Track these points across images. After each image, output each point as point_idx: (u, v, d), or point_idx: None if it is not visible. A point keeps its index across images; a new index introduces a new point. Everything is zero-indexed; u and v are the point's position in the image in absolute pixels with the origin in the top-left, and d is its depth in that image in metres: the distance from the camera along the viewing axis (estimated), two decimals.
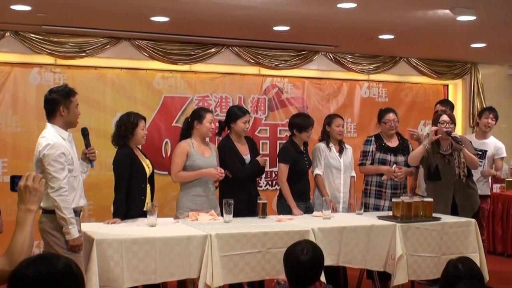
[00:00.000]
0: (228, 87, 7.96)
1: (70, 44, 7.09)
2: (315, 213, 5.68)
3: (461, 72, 9.26)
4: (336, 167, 6.05)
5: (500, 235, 8.17)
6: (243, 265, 4.64)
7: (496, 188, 8.10)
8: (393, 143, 6.20)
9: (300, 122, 5.93)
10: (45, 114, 4.39)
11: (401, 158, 6.13)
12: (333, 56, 8.44)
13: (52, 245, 4.22)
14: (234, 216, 5.11)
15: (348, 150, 6.21)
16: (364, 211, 5.86)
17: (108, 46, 7.27)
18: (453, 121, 5.91)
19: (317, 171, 5.99)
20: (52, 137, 4.22)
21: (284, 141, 6.67)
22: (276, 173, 7.67)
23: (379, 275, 5.60)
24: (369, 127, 6.42)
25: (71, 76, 7.16)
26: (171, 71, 7.69)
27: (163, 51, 7.51)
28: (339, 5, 5.70)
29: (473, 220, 5.60)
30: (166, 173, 6.57)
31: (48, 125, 4.33)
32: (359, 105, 8.72)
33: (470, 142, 6.17)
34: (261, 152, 7.23)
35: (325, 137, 6.13)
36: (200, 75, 7.86)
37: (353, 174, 6.26)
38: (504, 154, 6.61)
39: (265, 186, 8.04)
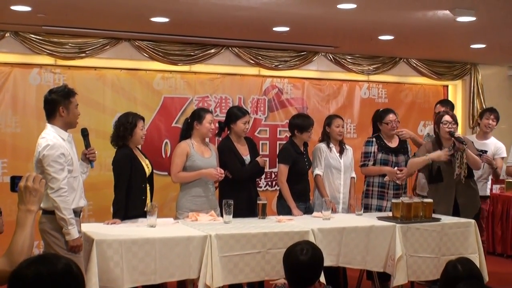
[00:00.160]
0: (228, 88, 7.97)
1: (70, 44, 7.10)
2: (314, 213, 5.68)
3: (461, 73, 9.27)
4: (336, 168, 6.05)
5: (500, 236, 8.17)
6: (243, 266, 4.64)
7: (496, 189, 8.10)
8: (394, 143, 6.21)
9: (301, 123, 5.93)
10: (45, 114, 4.39)
11: (402, 158, 6.14)
12: (333, 57, 8.45)
13: (52, 245, 4.22)
14: (234, 216, 5.11)
15: (349, 151, 6.22)
16: (366, 212, 5.86)
17: (108, 46, 7.27)
18: (455, 121, 5.90)
19: (317, 171, 5.99)
20: (52, 138, 4.22)
21: (284, 142, 6.67)
22: (276, 173, 7.67)
23: (378, 275, 5.60)
24: (369, 128, 6.42)
25: (71, 77, 7.16)
26: (171, 71, 7.69)
27: (163, 51, 7.52)
28: (339, 6, 5.70)
29: (473, 221, 5.60)
30: (166, 173, 6.57)
31: (48, 125, 4.33)
32: (359, 105, 8.73)
33: (472, 142, 6.16)
34: (260, 152, 7.24)
35: (325, 137, 6.13)
36: (200, 76, 7.86)
37: (353, 175, 6.26)
38: (504, 154, 6.61)
39: (264, 187, 8.04)
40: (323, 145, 6.08)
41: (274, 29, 6.87)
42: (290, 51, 8.17)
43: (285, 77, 8.30)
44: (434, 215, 5.59)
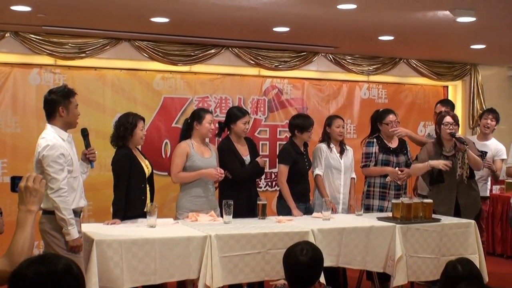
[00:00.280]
0: (228, 88, 7.97)
1: (70, 44, 7.10)
2: (314, 214, 5.68)
3: (461, 73, 9.27)
4: (336, 168, 6.05)
5: (500, 237, 8.17)
6: (242, 266, 4.64)
7: (496, 189, 8.10)
8: (394, 143, 6.21)
9: (301, 123, 5.93)
10: (45, 115, 4.39)
11: (402, 159, 6.14)
12: (333, 57, 8.45)
13: (52, 245, 4.22)
14: (234, 217, 5.11)
15: (349, 151, 6.22)
16: (367, 212, 5.87)
17: (108, 47, 7.27)
18: (456, 122, 5.89)
19: (318, 171, 5.99)
20: (52, 138, 4.22)
21: (284, 142, 6.67)
22: (275, 174, 7.67)
23: (378, 276, 5.59)
24: (369, 128, 6.41)
25: (71, 77, 7.16)
26: (171, 72, 7.70)
27: (163, 52, 7.52)
28: (339, 6, 5.70)
29: (473, 221, 5.59)
30: (166, 173, 6.57)
31: (48, 126, 4.33)
32: (359, 106, 8.73)
33: (474, 143, 6.16)
34: (260, 153, 7.24)
35: (326, 138, 6.13)
36: (200, 76, 7.87)
37: (353, 175, 6.26)
38: (504, 156, 6.59)
39: (264, 187, 8.04)
40: (323, 145, 6.09)
41: (274, 29, 6.87)
42: (290, 52, 8.17)
43: (285, 78, 8.31)
44: (434, 216, 5.59)
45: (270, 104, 8.19)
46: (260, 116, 8.12)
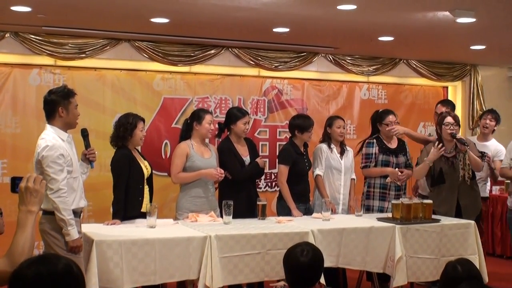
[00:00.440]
0: (228, 89, 7.97)
1: (70, 45, 7.10)
2: (314, 214, 5.68)
3: (461, 74, 9.28)
4: (336, 168, 6.06)
5: (499, 237, 8.17)
6: (242, 267, 4.64)
7: (495, 190, 8.10)
8: (393, 144, 6.21)
9: (301, 123, 5.93)
10: (45, 115, 4.39)
11: (402, 159, 6.14)
12: (332, 58, 8.45)
13: (52, 246, 4.22)
14: (234, 217, 5.11)
15: (349, 152, 6.22)
16: (367, 213, 5.87)
17: (108, 47, 7.28)
18: (457, 122, 5.89)
19: (318, 171, 5.99)
20: (51, 139, 4.22)
21: (284, 143, 6.68)
22: (275, 174, 7.68)
23: (378, 276, 5.59)
24: (369, 129, 6.41)
25: (71, 77, 7.17)
26: (171, 72, 7.70)
27: (163, 52, 7.52)
28: (339, 7, 5.71)
29: (473, 222, 5.59)
30: (166, 174, 6.58)
31: (48, 126, 4.33)
32: (359, 106, 8.74)
33: (475, 144, 6.15)
34: (260, 153, 7.23)
35: (327, 138, 6.13)
36: (200, 77, 7.87)
37: (353, 176, 6.27)
38: (503, 157, 6.58)
39: (264, 188, 8.05)
40: (324, 146, 6.09)
41: (274, 30, 6.88)
42: (290, 52, 8.18)
43: (285, 78, 8.31)
44: (434, 216, 5.59)
45: (270, 104, 8.20)
46: (260, 117, 8.12)
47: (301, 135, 5.90)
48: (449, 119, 5.85)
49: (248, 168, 5.73)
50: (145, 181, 5.17)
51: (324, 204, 5.54)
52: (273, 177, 8.03)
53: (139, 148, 5.54)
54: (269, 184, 8.11)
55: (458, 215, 5.80)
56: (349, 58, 8.56)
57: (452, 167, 5.81)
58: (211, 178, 5.46)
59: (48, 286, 1.81)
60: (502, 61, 9.21)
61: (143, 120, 5.27)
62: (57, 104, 4.29)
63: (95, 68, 7.36)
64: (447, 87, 9.49)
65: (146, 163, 5.25)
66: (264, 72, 8.17)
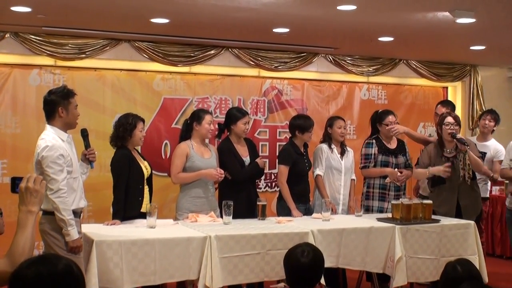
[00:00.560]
0: (228, 89, 7.97)
1: (70, 45, 7.10)
2: (314, 215, 5.68)
3: (461, 74, 9.28)
4: (337, 169, 6.06)
5: (499, 238, 8.18)
6: (242, 267, 4.64)
7: (495, 190, 8.10)
8: (393, 144, 6.21)
9: (302, 123, 5.94)
10: (45, 115, 4.39)
11: (401, 160, 6.15)
12: (332, 58, 8.46)
13: (52, 246, 4.22)
14: (234, 217, 5.11)
15: (350, 152, 6.22)
16: (367, 213, 5.87)
17: (108, 47, 7.28)
18: (457, 123, 5.88)
19: (318, 171, 6.00)
20: (51, 139, 4.22)
21: (284, 143, 6.67)
22: (275, 175, 7.68)
23: (378, 277, 5.59)
24: (369, 129, 6.41)
25: (70, 78, 7.17)
26: (170, 72, 7.70)
27: (163, 52, 7.52)
28: (339, 7, 5.71)
29: (472, 222, 5.59)
30: (166, 174, 6.58)
31: (47, 126, 4.33)
32: (359, 107, 8.74)
33: (475, 144, 6.15)
34: (260, 154, 7.23)
35: (327, 138, 6.13)
36: (200, 77, 7.87)
37: (353, 177, 6.27)
38: (503, 158, 6.58)
39: (264, 188, 8.05)
40: (324, 146, 6.09)
41: (274, 30, 6.88)
42: (290, 52, 8.18)
43: (284, 78, 8.31)
44: (434, 217, 5.59)
45: (270, 105, 8.20)
46: (259, 117, 8.12)
47: (302, 135, 5.90)
48: (449, 119, 5.86)
49: (248, 168, 5.73)
50: (145, 181, 5.18)
51: (324, 204, 5.54)
52: (273, 177, 8.03)
53: (138, 148, 5.54)
54: (269, 184, 8.11)
55: (458, 215, 5.80)
56: (349, 58, 8.56)
57: (453, 168, 5.81)
58: (211, 178, 5.46)
59: (48, 286, 1.82)
60: (502, 61, 9.22)
61: (143, 120, 5.27)
62: (57, 104, 4.30)
63: (95, 69, 7.36)
64: (447, 88, 9.49)
65: (146, 163, 5.25)
66: (264, 73, 8.17)
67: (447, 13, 5.91)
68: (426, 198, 5.84)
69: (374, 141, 6.17)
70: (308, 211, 5.86)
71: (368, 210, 6.01)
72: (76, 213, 4.32)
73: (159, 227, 4.82)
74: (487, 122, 6.76)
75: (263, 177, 7.70)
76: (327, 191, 5.98)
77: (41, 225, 4.25)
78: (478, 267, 4.17)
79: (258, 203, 5.45)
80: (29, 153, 5.30)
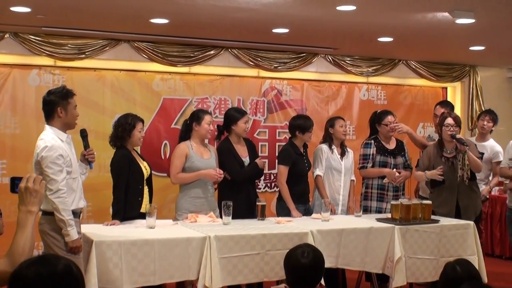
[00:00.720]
0: (227, 89, 7.97)
1: (69, 45, 7.10)
2: (314, 215, 5.68)
3: (460, 74, 9.29)
4: (337, 169, 6.06)
5: (499, 238, 8.18)
6: (242, 267, 4.64)
7: (495, 190, 8.10)
8: (391, 145, 6.21)
9: (302, 123, 5.93)
10: (44, 116, 4.39)
11: (400, 160, 6.15)
12: (332, 59, 8.46)
13: (52, 246, 4.22)
14: (233, 218, 5.11)
15: (350, 153, 6.22)
16: (365, 214, 5.87)
17: (107, 48, 7.28)
18: (458, 123, 5.88)
19: (318, 172, 6.00)
20: (50, 139, 4.22)
21: (283, 143, 6.67)
22: (275, 175, 7.69)
23: (377, 277, 5.59)
24: (368, 129, 6.41)
25: (70, 78, 7.17)
26: (170, 73, 7.70)
27: (163, 53, 7.52)
28: (339, 8, 5.71)
29: (472, 222, 5.59)
30: (165, 175, 6.58)
31: (47, 127, 4.33)
32: (358, 107, 8.74)
33: (475, 145, 6.15)
34: (260, 154, 7.23)
35: (328, 139, 6.13)
36: (199, 77, 7.87)
37: (353, 178, 6.27)
38: (501, 159, 6.58)
39: (263, 188, 8.05)
40: (324, 146, 6.09)
41: (274, 30, 6.88)
42: (290, 53, 8.18)
43: (284, 79, 8.31)
44: (433, 217, 5.59)
45: (269, 105, 8.20)
46: (259, 117, 8.12)
47: (302, 135, 5.90)
48: (449, 120, 5.86)
49: (248, 168, 5.73)
50: (145, 181, 5.18)
51: (323, 205, 5.54)
52: (272, 177, 8.03)
53: (138, 148, 5.54)
54: (269, 184, 8.11)
55: (458, 216, 5.81)
56: (349, 58, 8.56)
57: (452, 168, 5.82)
58: (210, 178, 5.46)
59: (48, 287, 1.81)
60: (501, 62, 9.22)
61: (142, 121, 5.27)
62: (56, 105, 4.30)
63: (94, 69, 7.36)
64: (446, 88, 9.50)
65: (145, 163, 5.25)
66: (264, 73, 8.17)
67: (446, 14, 5.91)
68: (425, 199, 5.84)
69: (372, 141, 6.17)
70: (307, 212, 5.85)
71: (366, 210, 6.01)
72: (76, 214, 4.32)
73: (158, 227, 4.82)
74: (485, 122, 6.76)
75: (262, 178, 7.70)
76: (327, 191, 5.98)
77: (41, 226, 4.25)
78: (477, 268, 4.17)
79: (257, 203, 5.45)
80: (29, 153, 5.29)
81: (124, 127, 5.12)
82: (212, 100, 7.86)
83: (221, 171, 5.45)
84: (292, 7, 5.77)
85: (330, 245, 4.99)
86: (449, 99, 9.23)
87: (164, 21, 6.38)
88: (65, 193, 4.17)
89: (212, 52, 7.77)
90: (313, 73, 8.48)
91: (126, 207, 5.03)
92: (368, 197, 6.12)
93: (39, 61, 7.11)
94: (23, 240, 2.32)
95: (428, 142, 6.54)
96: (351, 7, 5.69)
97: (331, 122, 6.20)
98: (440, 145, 5.93)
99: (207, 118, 5.53)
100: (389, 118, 6.17)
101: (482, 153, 6.17)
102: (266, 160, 7.77)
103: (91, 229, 4.70)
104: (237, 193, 5.55)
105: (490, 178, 6.74)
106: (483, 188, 6.55)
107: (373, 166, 6.10)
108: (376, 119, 6.25)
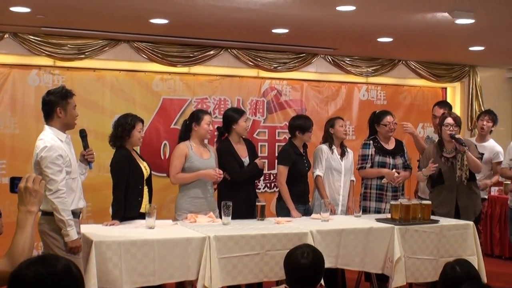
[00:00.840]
0: (227, 90, 7.97)
1: (69, 46, 7.10)
2: (313, 215, 5.68)
3: (460, 75, 9.29)
4: (337, 170, 6.06)
5: (498, 238, 8.18)
6: (241, 267, 4.64)
7: (494, 191, 8.11)
8: (390, 145, 6.21)
9: (302, 123, 5.94)
10: (43, 116, 4.39)
11: (399, 160, 6.15)
12: (331, 59, 8.46)
13: (51, 246, 4.22)
14: (233, 218, 5.11)
15: (349, 154, 6.22)
16: (364, 214, 5.87)
17: (107, 48, 7.28)
18: (457, 123, 5.89)
19: (318, 172, 5.99)
20: (50, 140, 4.22)
21: (283, 144, 6.67)
22: (274, 175, 7.69)
23: (377, 277, 5.59)
24: (368, 130, 6.41)
25: (70, 78, 7.16)
26: (170, 73, 7.70)
27: (162, 53, 7.52)
28: (338, 8, 5.71)
29: (471, 223, 5.59)
30: (165, 175, 6.57)
31: (46, 127, 4.33)
32: (358, 107, 8.74)
33: (476, 146, 6.14)
34: (259, 154, 7.23)
35: (329, 139, 6.13)
36: (199, 77, 7.87)
37: (353, 178, 6.26)
38: (501, 159, 6.58)
39: (263, 188, 8.05)
40: (324, 147, 6.08)
41: (273, 31, 6.88)
42: (289, 53, 8.18)
43: (284, 79, 8.31)
44: (433, 217, 5.59)
45: (269, 105, 8.20)
46: (259, 118, 8.12)
47: (302, 135, 5.90)
48: (449, 120, 5.86)
49: (247, 169, 5.73)
50: (144, 181, 5.18)
51: (323, 205, 5.54)
52: (272, 178, 8.03)
53: (137, 148, 5.53)
54: (268, 185, 8.11)
55: (457, 216, 5.81)
56: (348, 59, 8.56)
57: (452, 168, 5.82)
58: (210, 178, 5.46)
59: (48, 287, 1.81)
60: (501, 62, 9.22)
61: (142, 121, 5.27)
62: (55, 105, 4.30)
63: (94, 69, 7.36)
64: (446, 88, 9.50)
65: (145, 163, 5.25)
66: (263, 73, 8.17)
67: (446, 14, 5.91)
68: (424, 200, 5.84)
69: (371, 142, 6.18)
70: (307, 212, 5.85)
71: (365, 211, 6.01)
72: (75, 214, 4.32)
73: (158, 227, 4.82)
74: (485, 123, 6.76)
75: (262, 178, 7.70)
76: (326, 192, 5.98)
77: (40, 226, 4.25)
78: (477, 268, 4.17)
79: (257, 203, 5.45)
80: (28, 153, 5.29)
81: (124, 127, 5.12)
82: (211, 100, 7.86)
83: (221, 171, 5.45)
84: (292, 7, 5.77)
85: (329, 245, 4.99)
86: (448, 99, 9.24)
87: (163, 21, 6.38)
88: (65, 193, 4.17)
89: (211, 52, 7.77)
90: (313, 73, 8.48)
91: (126, 207, 5.03)
92: (367, 197, 6.12)
93: (39, 61, 7.11)
94: (22, 240, 2.32)
95: (427, 144, 6.55)
96: (351, 7, 5.69)
97: (331, 123, 6.20)
98: (440, 145, 5.93)
99: (206, 118, 5.53)
100: (388, 118, 6.17)
101: (482, 154, 6.17)
102: (266, 161, 7.76)
103: (90, 229, 4.70)
104: (237, 193, 5.56)
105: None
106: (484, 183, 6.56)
107: (372, 167, 6.10)
108: (375, 119, 6.25)
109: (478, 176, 6.15)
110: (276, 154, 7.15)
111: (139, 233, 4.59)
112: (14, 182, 2.46)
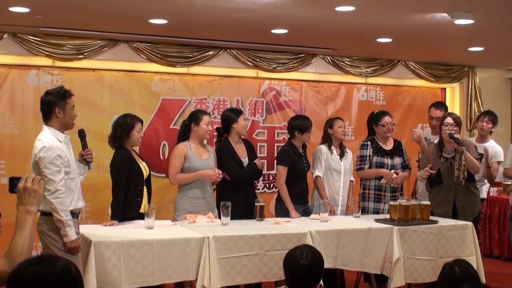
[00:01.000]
0: (226, 90, 7.97)
1: (68, 46, 7.10)
2: (312, 215, 5.68)
3: (459, 75, 9.29)
4: (336, 170, 6.06)
5: (497, 239, 8.18)
6: (240, 268, 4.64)
7: (493, 191, 8.11)
8: (389, 145, 6.22)
9: (301, 124, 5.94)
10: (42, 116, 4.39)
11: (397, 161, 6.15)
12: (331, 59, 8.46)
13: (50, 247, 4.22)
14: (232, 218, 5.11)
15: (349, 154, 6.23)
16: (363, 215, 5.87)
17: (106, 48, 7.27)
18: (457, 123, 5.89)
19: (317, 172, 6.00)
20: (48, 140, 4.22)
21: (282, 144, 6.67)
22: (273, 175, 7.68)
23: (376, 278, 5.60)
24: (367, 130, 6.41)
25: (69, 78, 7.16)
26: (169, 73, 7.69)
27: (161, 53, 7.52)
28: (337, 8, 5.71)
29: (470, 223, 5.60)
30: (164, 175, 6.57)
31: (45, 127, 4.33)
32: (357, 108, 8.74)
33: (475, 146, 6.14)
34: (258, 155, 7.24)
35: (328, 140, 6.13)
36: (198, 78, 7.87)
37: (352, 178, 6.27)
38: (501, 159, 6.58)
39: (262, 189, 8.04)
40: (324, 147, 6.09)
41: (273, 31, 6.88)
42: (288, 53, 8.18)
43: (283, 79, 8.31)
44: (432, 218, 5.59)
45: (268, 105, 8.19)
46: (258, 118, 8.12)
47: (301, 135, 5.90)
48: (449, 119, 5.88)
49: (247, 169, 5.73)
50: (144, 182, 5.18)
51: (322, 205, 5.54)
52: (271, 178, 8.03)
53: (136, 149, 5.53)
54: (267, 185, 8.11)
55: (455, 216, 5.81)
56: (347, 59, 8.56)
57: (450, 168, 5.83)
58: (209, 179, 5.46)
59: (46, 287, 1.81)
60: (500, 62, 9.23)
61: (141, 121, 5.27)
62: (54, 105, 4.30)
63: (93, 69, 7.35)
64: (445, 89, 9.50)
65: (144, 164, 5.26)
66: (262, 73, 8.17)
67: (445, 14, 5.91)
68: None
69: (369, 142, 6.18)
70: (306, 212, 5.86)
71: (364, 211, 6.02)
72: (74, 214, 4.32)
73: (157, 228, 4.82)
74: (484, 123, 6.76)
75: (261, 178, 7.69)
76: (326, 192, 5.98)
77: (39, 226, 4.25)
78: (475, 268, 4.17)
79: (256, 204, 5.46)
80: (27, 154, 5.27)
81: (123, 127, 5.13)
82: (211, 101, 7.86)
83: (220, 172, 5.45)
84: (291, 8, 5.77)
85: (328, 245, 4.99)
86: (447, 100, 9.25)
87: (163, 21, 6.38)
88: (63, 193, 4.17)
89: (211, 52, 7.76)
90: (312, 74, 8.48)
91: (125, 208, 5.03)
92: (365, 198, 6.13)
93: (38, 61, 7.10)
94: (21, 240, 2.32)
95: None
96: (350, 8, 5.69)
97: (330, 123, 6.20)
98: (440, 145, 5.94)
99: (205, 118, 5.54)
100: (386, 118, 6.18)
101: (481, 154, 6.17)
102: (265, 161, 7.75)
103: (89, 230, 4.70)
104: (236, 194, 5.56)
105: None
106: (482, 188, 6.56)
107: (370, 167, 6.10)
108: (373, 119, 6.26)
109: (477, 177, 6.16)
110: (275, 155, 7.14)
111: (138, 234, 4.60)
112: (13, 182, 2.46)
